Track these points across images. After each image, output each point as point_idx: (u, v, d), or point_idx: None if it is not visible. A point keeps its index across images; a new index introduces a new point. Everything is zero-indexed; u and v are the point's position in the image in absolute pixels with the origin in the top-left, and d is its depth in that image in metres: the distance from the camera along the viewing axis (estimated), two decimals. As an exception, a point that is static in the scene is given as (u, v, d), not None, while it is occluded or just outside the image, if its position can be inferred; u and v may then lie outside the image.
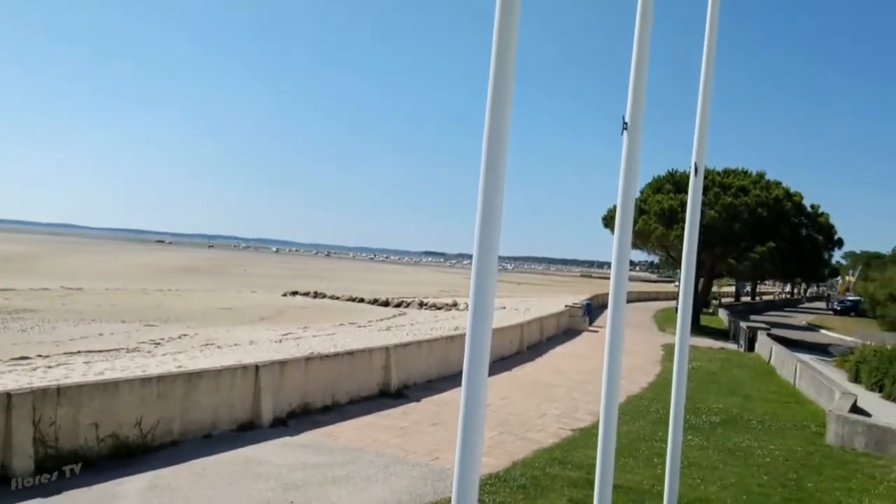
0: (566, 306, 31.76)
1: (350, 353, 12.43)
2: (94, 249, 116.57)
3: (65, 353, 19.77)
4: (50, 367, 16.55)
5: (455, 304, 47.42)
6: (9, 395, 6.97)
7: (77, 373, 15.26)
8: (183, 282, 58.49)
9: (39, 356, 19.02)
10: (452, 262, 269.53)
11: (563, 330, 28.65)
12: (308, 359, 11.38)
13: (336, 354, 12.21)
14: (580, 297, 39.41)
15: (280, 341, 24.11)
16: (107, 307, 34.42)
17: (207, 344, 23.20)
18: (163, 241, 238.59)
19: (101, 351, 20.73)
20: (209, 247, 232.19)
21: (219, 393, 9.41)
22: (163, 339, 24.42)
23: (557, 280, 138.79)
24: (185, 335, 25.70)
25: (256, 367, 10.03)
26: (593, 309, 33.24)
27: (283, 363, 10.69)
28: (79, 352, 20.39)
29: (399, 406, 12.07)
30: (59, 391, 7.49)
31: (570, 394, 14.81)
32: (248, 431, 9.57)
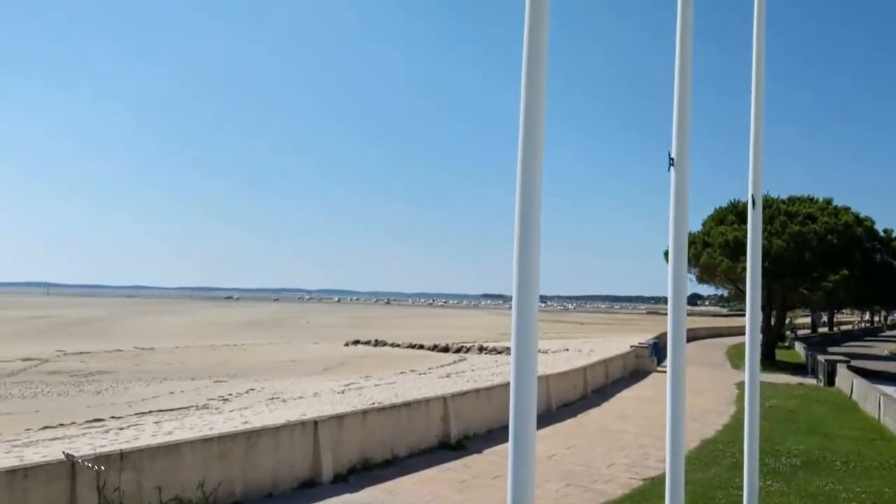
0: (632, 346, 30.87)
1: (407, 405, 12.29)
2: (165, 309, 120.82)
3: (136, 414, 20.28)
4: (122, 428, 16.94)
5: (517, 348, 46.77)
6: (73, 461, 7.11)
7: (147, 433, 15.56)
8: (249, 336, 59.81)
9: (112, 417, 19.57)
10: (511, 304, 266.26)
11: (629, 372, 27.78)
12: (366, 412, 11.31)
13: (393, 406, 12.10)
14: (647, 336, 38.28)
15: (343, 392, 24.17)
16: (177, 365, 35.38)
17: (273, 398, 23.45)
18: (231, 297, 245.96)
19: (171, 410, 21.18)
20: (275, 300, 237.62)
21: (279, 450, 9.40)
22: (231, 394, 24.83)
23: (622, 318, 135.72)
24: (252, 390, 26.09)
25: (315, 423, 10.00)
26: (661, 348, 32.19)
27: (340, 417, 10.64)
28: (150, 412, 20.88)
29: (459, 458, 11.80)
30: (123, 456, 7.61)
31: (639, 440, 14.21)
32: (308, 489, 9.50)
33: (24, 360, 35.82)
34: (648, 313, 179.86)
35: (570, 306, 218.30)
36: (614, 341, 44.44)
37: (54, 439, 15.59)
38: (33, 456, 12.99)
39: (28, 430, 18.07)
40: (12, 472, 6.88)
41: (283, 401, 22.39)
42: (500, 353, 45.00)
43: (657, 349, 30.84)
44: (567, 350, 38.85)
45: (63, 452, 7.49)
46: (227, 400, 23.50)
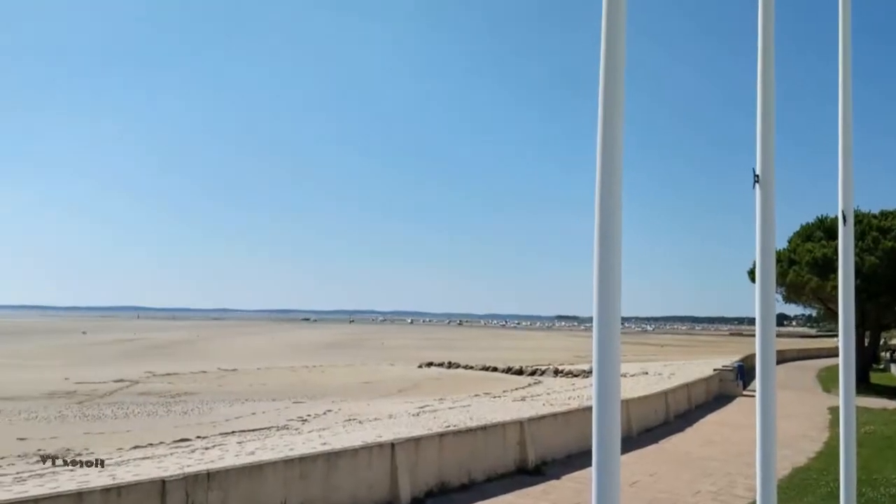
0: (715, 370, 29.72)
1: (484, 428, 12.20)
2: (246, 331, 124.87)
3: (220, 434, 20.93)
4: (207, 448, 17.52)
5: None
6: (163, 482, 7.38)
7: (231, 453, 16.03)
8: (326, 357, 60.98)
9: (198, 437, 20.27)
10: (586, 325, 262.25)
11: (713, 396, 26.72)
12: (442, 435, 11.29)
13: (469, 430, 12.03)
14: (731, 359, 36.81)
15: (417, 414, 24.23)
16: (258, 386, 36.39)
17: (350, 419, 23.76)
18: (308, 319, 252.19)
19: (253, 430, 21.76)
20: (350, 322, 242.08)
21: (357, 472, 9.49)
22: (309, 415, 25.31)
23: (704, 340, 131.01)
24: (329, 411, 26.53)
25: (392, 445, 10.06)
26: (747, 371, 30.86)
27: (417, 440, 10.66)
28: (233, 432, 21.51)
29: (538, 484, 11.59)
30: (210, 476, 7.85)
31: (725, 467, 13.61)
32: (386, 512, 9.53)
33: (116, 381, 37.66)
34: (731, 335, 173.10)
35: (648, 328, 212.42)
36: (696, 364, 42.92)
37: (145, 458, 16.27)
38: (125, 475, 13.59)
39: (120, 449, 18.94)
40: (107, 490, 7.21)
41: (360, 422, 22.64)
42: (576, 376, 44.19)
43: (742, 372, 29.57)
44: (646, 373, 37.76)
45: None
46: (305, 421, 23.96)
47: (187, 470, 9.24)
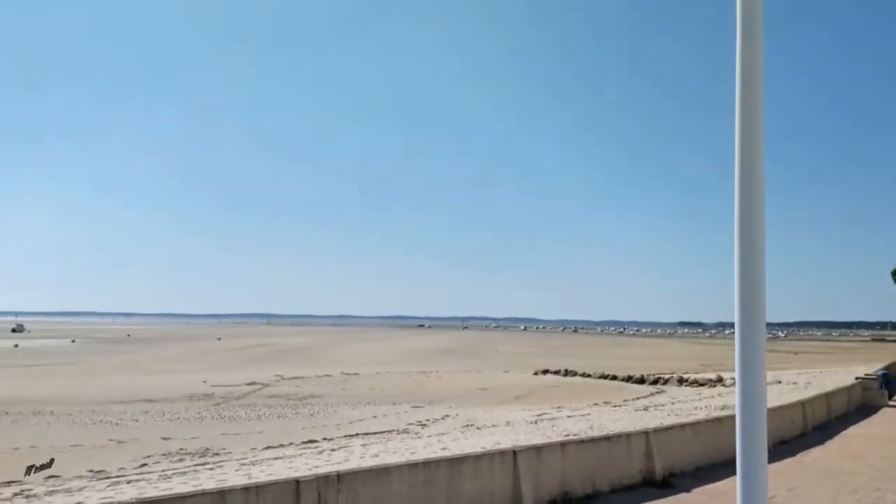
0: (858, 378, 27.47)
1: (607, 438, 11.91)
2: (365, 337, 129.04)
3: (345, 436, 21.70)
4: (333, 450, 18.21)
5: (720, 380, 43.62)
6: (297, 482, 7.74)
7: (356, 455, 16.58)
8: (442, 363, 61.84)
9: (324, 439, 21.12)
10: (712, 331, 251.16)
11: (855, 406, 24.71)
12: (564, 444, 11.12)
13: (592, 439, 11.78)
14: (874, 367, 33.90)
15: (535, 422, 24.03)
16: (378, 390, 37.45)
17: (468, 425, 23.93)
18: (423, 326, 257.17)
19: (375, 433, 22.41)
20: (463, 328, 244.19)
21: (479, 479, 9.53)
22: (428, 420, 25.74)
23: (842, 347, 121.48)
24: (447, 416, 26.85)
25: (514, 453, 10.02)
26: (892, 379, 28.33)
27: (539, 448, 10.56)
28: (357, 434, 22.24)
29: (667, 497, 11.16)
30: (340, 477, 8.15)
31: (872, 483, 12.53)
32: (509, 519, 9.50)
33: (248, 384, 39.98)
34: (873, 340, 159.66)
35: (780, 334, 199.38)
36: (835, 372, 39.88)
37: (276, 458, 17.15)
38: (259, 474, 14.37)
39: (253, 449, 20.06)
40: (246, 489, 7.64)
41: (478, 428, 22.75)
42: (702, 385, 42.28)
43: (888, 380, 27.18)
44: (779, 382, 35.52)
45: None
46: (424, 425, 24.37)
47: (317, 471, 9.66)
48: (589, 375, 49.88)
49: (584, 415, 26.50)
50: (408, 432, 22.71)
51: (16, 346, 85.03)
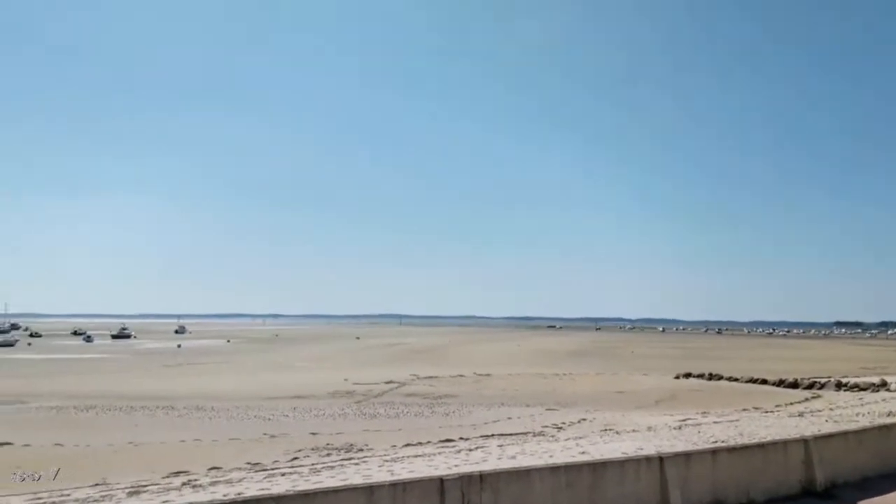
0: None
1: (761, 446, 11.14)
2: (493, 337, 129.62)
3: (481, 437, 21.85)
4: (471, 450, 18.38)
5: (884, 384, 39.75)
6: (441, 480, 7.85)
7: (493, 456, 16.63)
8: (574, 365, 60.85)
9: (461, 439, 21.38)
10: (873, 332, 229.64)
11: None
12: (715, 451, 10.53)
13: (745, 446, 11.07)
14: None
15: (679, 428, 23.00)
16: (511, 391, 37.45)
17: (606, 429, 23.34)
18: (553, 327, 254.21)
19: (510, 434, 22.40)
20: (596, 329, 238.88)
21: (624, 485, 9.23)
22: (563, 423, 25.38)
23: None
24: (583, 419, 26.35)
25: (661, 459, 9.62)
26: None
27: (688, 455, 10.07)
28: (492, 435, 22.33)
29: (831, 510, 10.28)
30: (482, 477, 8.18)
31: None
32: (657, 528, 9.13)
33: (387, 382, 41.39)
34: None
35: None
36: None
37: (417, 456, 17.56)
38: (401, 471, 14.77)
39: (394, 446, 20.68)
40: (393, 485, 7.86)
41: (617, 433, 22.11)
42: (863, 389, 38.74)
43: None
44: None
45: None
46: (560, 428, 24.04)
47: (457, 470, 9.83)
48: (736, 379, 47.18)
49: (732, 421, 25.06)
50: (543, 435, 22.49)
51: (179, 346, 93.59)
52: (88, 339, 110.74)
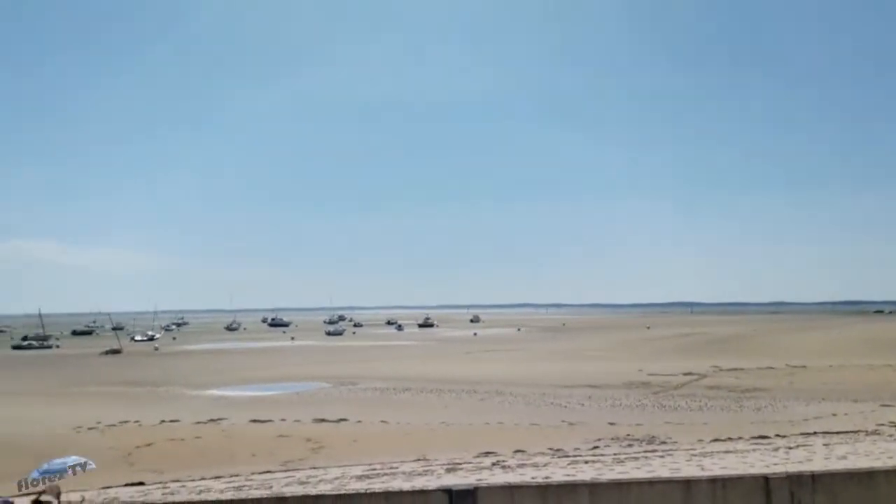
0: None
1: None
2: (807, 325, 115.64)
3: (801, 434, 19.79)
4: (790, 448, 16.73)
5: None
6: (766, 478, 7.27)
7: (819, 456, 14.94)
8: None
9: (777, 436, 19.58)
10: None
11: None
12: None
13: None
14: None
15: None
16: (833, 385, 33.22)
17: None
18: (882, 312, 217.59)
19: (837, 433, 19.93)
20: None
21: None
22: (905, 422, 21.84)
23: None
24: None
25: None
26: None
27: None
28: (814, 433, 20.10)
29: None
30: (814, 478, 7.40)
31: None
32: None
33: (685, 374, 39.51)
34: None
35: None
36: None
37: (727, 452, 16.49)
38: (712, 466, 13.97)
39: (700, 440, 19.68)
40: (713, 480, 7.49)
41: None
42: None
43: None
44: None
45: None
46: (902, 427, 20.72)
47: (775, 468, 8.98)
48: None
49: None
50: (879, 434, 19.59)
51: (475, 334, 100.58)
52: (399, 327, 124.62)
